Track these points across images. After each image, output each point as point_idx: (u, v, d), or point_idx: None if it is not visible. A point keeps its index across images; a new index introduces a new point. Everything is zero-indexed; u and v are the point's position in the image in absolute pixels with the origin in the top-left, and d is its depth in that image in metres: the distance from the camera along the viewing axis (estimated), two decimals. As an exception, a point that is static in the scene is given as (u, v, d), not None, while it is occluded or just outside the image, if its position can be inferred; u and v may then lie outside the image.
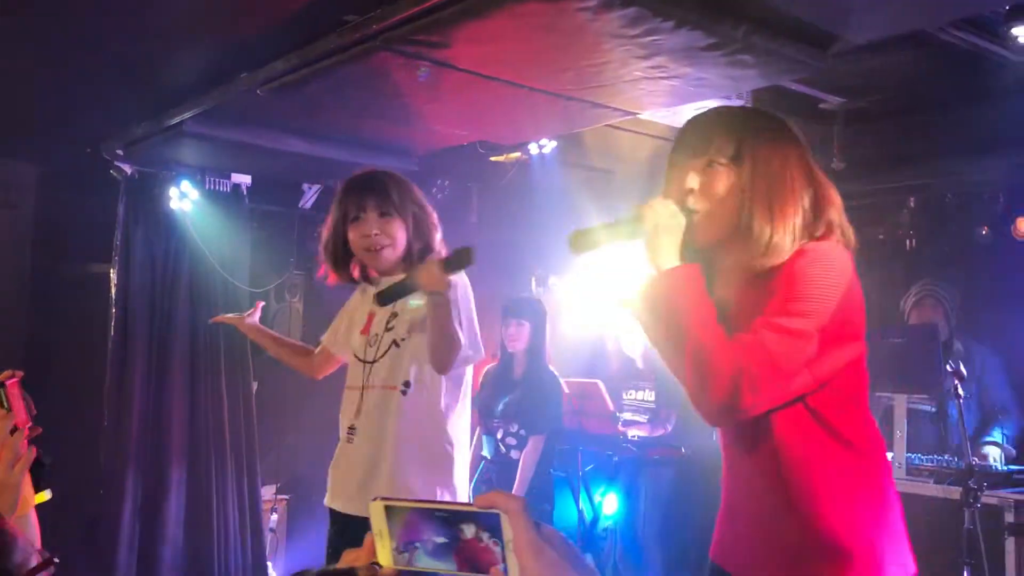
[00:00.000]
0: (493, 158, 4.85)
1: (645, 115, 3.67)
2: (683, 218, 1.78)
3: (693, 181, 1.81)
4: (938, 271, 5.12)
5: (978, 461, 3.77)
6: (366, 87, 3.29)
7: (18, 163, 5.01)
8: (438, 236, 2.77)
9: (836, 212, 1.85)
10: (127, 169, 4.79)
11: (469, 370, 2.74)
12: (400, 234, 2.69)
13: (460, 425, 2.71)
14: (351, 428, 2.72)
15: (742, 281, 1.81)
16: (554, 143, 4.57)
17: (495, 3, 2.49)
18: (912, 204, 5.02)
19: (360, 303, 2.90)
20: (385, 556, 0.94)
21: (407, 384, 2.63)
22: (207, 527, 4.92)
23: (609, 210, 5.23)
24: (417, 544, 0.95)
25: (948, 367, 3.77)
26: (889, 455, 4.19)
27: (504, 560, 0.91)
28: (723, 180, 1.79)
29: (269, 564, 5.19)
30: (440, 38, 2.74)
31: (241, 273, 5.16)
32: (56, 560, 1.22)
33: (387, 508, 0.95)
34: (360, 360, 2.75)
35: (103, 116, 4.22)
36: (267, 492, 5.38)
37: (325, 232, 2.79)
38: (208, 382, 5.03)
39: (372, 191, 2.70)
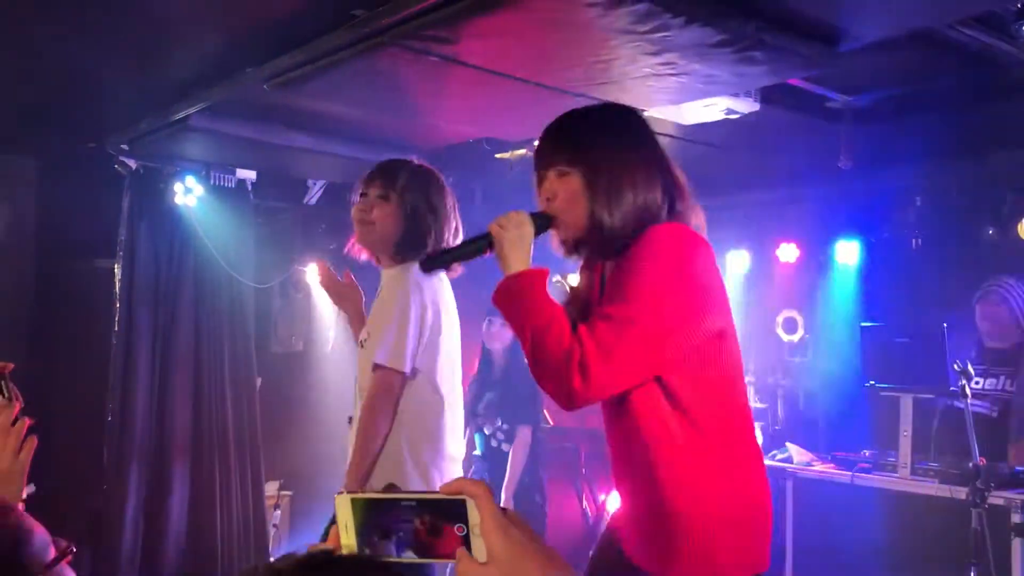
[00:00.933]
0: (498, 155, 4.83)
1: (650, 112, 3.66)
2: (530, 227, 1.93)
3: (548, 189, 1.97)
4: (944, 271, 5.11)
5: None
6: (373, 83, 3.27)
7: (22, 157, 4.99)
8: (435, 241, 2.70)
9: (684, 203, 1.98)
10: (132, 164, 4.79)
11: (437, 359, 2.68)
12: (388, 220, 2.68)
13: (426, 424, 2.66)
14: (352, 416, 2.79)
15: (606, 274, 1.98)
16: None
17: (503, -2, 2.47)
18: (919, 203, 5.00)
19: None
20: (350, 548, 0.97)
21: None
22: (210, 522, 4.92)
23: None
24: (382, 534, 0.98)
25: (955, 366, 3.76)
26: (892, 456, 4.21)
27: (468, 544, 0.96)
28: (570, 184, 1.93)
29: (272, 559, 5.18)
30: (448, 33, 2.72)
31: (246, 269, 5.15)
32: (74, 549, 1.23)
33: (352, 500, 0.99)
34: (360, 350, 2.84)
35: (108, 110, 4.21)
36: (270, 488, 5.38)
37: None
38: (212, 378, 5.03)
39: (383, 170, 2.74)
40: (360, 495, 0.99)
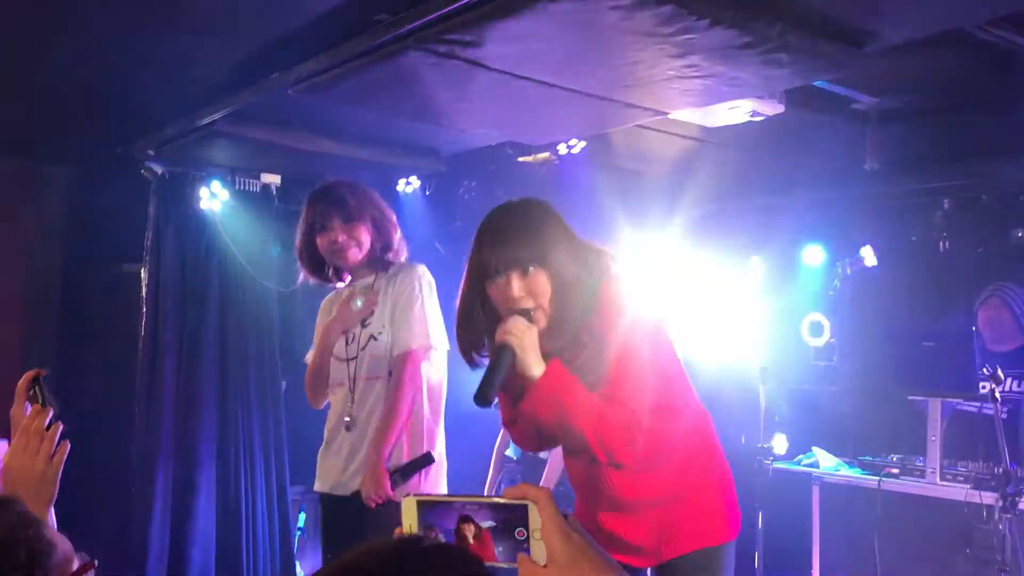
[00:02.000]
0: (521, 159, 4.83)
1: (674, 115, 3.65)
2: (534, 327, 2.10)
3: (518, 288, 2.12)
4: (971, 274, 5.06)
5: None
6: (397, 87, 3.28)
7: (51, 164, 5.05)
8: (397, 235, 3.12)
9: (607, 257, 2.25)
10: (158, 169, 4.83)
11: (444, 349, 3.04)
12: (363, 235, 3.04)
13: (438, 401, 3.06)
14: (350, 420, 3.02)
15: (575, 335, 2.17)
16: (583, 144, 4.55)
17: (527, 2, 2.47)
18: (946, 206, 4.95)
19: (328, 309, 3.22)
20: None
21: (391, 372, 2.96)
22: (236, 525, 4.94)
23: (637, 211, 5.21)
24: (446, 538, 1.00)
25: (984, 371, 3.72)
26: (920, 461, 4.16)
27: (529, 547, 0.98)
28: (541, 278, 2.13)
29: (297, 563, 5.21)
30: (471, 37, 2.72)
31: (270, 273, 5.18)
32: (96, 563, 1.24)
33: (418, 502, 1.01)
34: (343, 360, 3.06)
35: (134, 117, 4.25)
36: (295, 491, 5.39)
37: (298, 241, 3.15)
38: (237, 381, 5.06)
39: (332, 202, 3.05)
40: (425, 497, 1.02)
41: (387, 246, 3.08)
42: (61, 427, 1.57)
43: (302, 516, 5.39)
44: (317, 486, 3.12)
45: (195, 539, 4.81)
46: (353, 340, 3.05)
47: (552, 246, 2.15)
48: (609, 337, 2.10)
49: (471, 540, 0.99)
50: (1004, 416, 4.23)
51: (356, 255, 3.04)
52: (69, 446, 1.57)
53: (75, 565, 1.21)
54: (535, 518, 0.98)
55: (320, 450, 3.17)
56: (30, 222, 5.04)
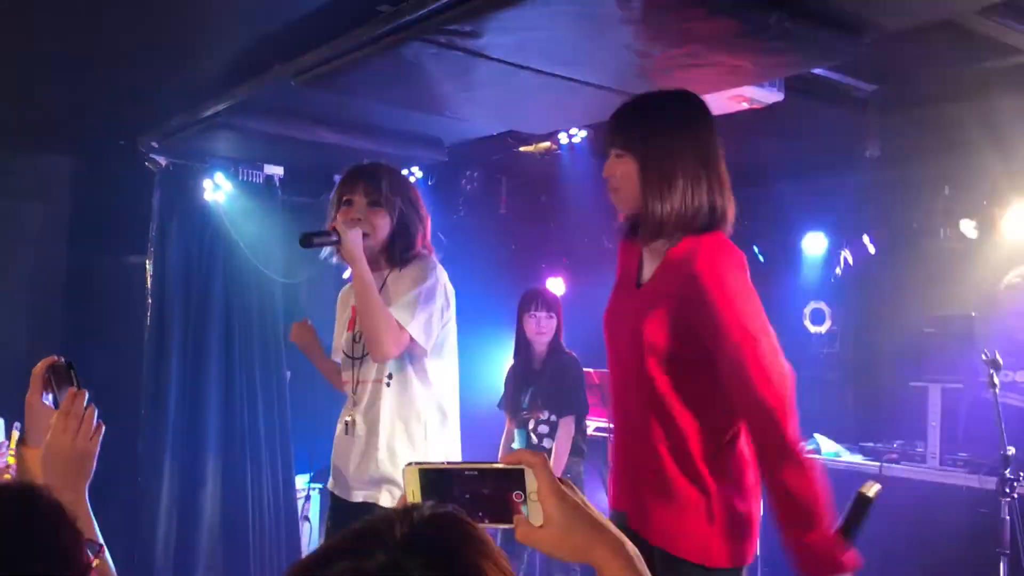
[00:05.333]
0: (523, 148, 4.85)
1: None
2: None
3: (608, 168, 2.15)
4: (972, 261, 5.06)
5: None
6: (398, 77, 3.30)
7: (55, 156, 5.07)
8: (422, 238, 2.87)
9: (726, 199, 2.14)
10: (162, 161, 4.86)
11: (454, 351, 2.85)
12: (383, 224, 2.78)
13: (447, 405, 2.85)
14: (350, 422, 2.84)
15: (652, 253, 2.17)
16: (584, 133, 4.57)
17: (527, -9, 2.48)
18: (947, 192, 4.96)
19: (346, 300, 3.02)
20: None
21: (391, 376, 2.77)
22: (242, 514, 4.98)
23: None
24: (448, 502, 1.02)
25: (983, 356, 3.74)
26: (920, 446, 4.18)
27: (526, 508, 1.04)
28: (625, 167, 2.12)
29: (304, 552, 5.24)
30: (472, 27, 2.74)
31: (274, 264, 5.21)
32: (103, 546, 1.28)
33: (420, 471, 1.07)
34: (349, 357, 2.88)
35: (138, 108, 4.27)
36: (301, 481, 5.43)
37: (329, 217, 2.91)
38: (243, 372, 5.09)
39: (364, 177, 2.82)
40: (427, 465, 1.08)
41: (408, 246, 2.81)
42: (95, 409, 1.64)
43: (307, 504, 5.42)
44: (329, 483, 2.97)
45: (201, 529, 4.85)
46: (360, 339, 2.82)
47: (650, 143, 2.11)
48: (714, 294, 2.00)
49: (490, 503, 1.04)
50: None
51: (370, 244, 2.75)
52: (104, 427, 1.65)
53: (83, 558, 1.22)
54: (532, 482, 1.04)
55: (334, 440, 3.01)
56: (35, 214, 5.07)
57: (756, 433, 1.98)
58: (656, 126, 2.14)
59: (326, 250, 2.85)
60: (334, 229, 2.69)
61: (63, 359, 1.73)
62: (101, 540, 1.35)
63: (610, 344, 2.26)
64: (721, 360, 1.99)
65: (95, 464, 1.62)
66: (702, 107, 2.21)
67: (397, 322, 2.66)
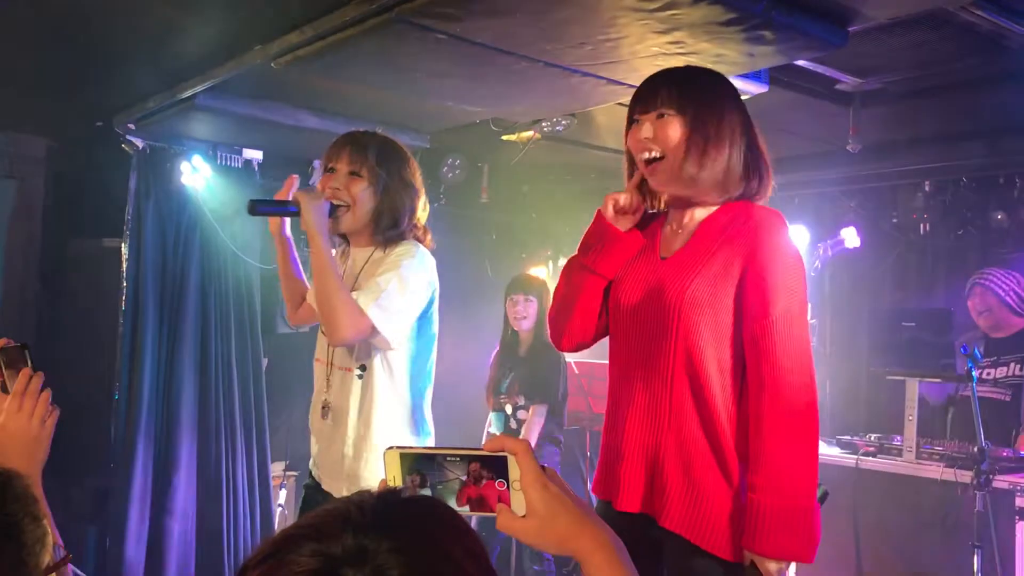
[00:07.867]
0: (505, 137, 4.82)
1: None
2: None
3: (648, 131, 2.08)
4: (952, 255, 5.10)
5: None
6: (380, 61, 3.26)
7: (30, 136, 5.00)
8: (410, 218, 2.66)
9: (765, 170, 2.20)
10: (139, 143, 4.79)
11: (431, 348, 2.69)
12: (364, 197, 2.60)
13: (420, 406, 2.68)
14: (325, 404, 2.68)
15: (678, 222, 2.18)
16: (566, 121, 4.54)
17: (512, -25, 2.46)
18: (927, 187, 4.98)
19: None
20: None
21: (363, 368, 2.59)
22: (217, 502, 4.95)
23: (620, 189, 5.21)
24: (427, 488, 1.03)
25: (962, 351, 3.75)
26: (899, 439, 4.20)
27: (509, 497, 1.02)
28: (672, 127, 2.06)
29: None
30: (454, 10, 2.70)
31: (252, 249, 5.17)
32: (71, 557, 1.25)
33: (401, 455, 1.04)
34: (324, 334, 2.68)
35: (115, 89, 4.21)
36: (276, 468, 5.40)
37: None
38: (218, 357, 5.05)
39: (351, 144, 2.64)
40: (408, 450, 1.05)
41: (393, 223, 2.61)
42: (50, 393, 1.60)
43: (283, 493, 5.39)
44: (311, 462, 2.83)
45: (175, 515, 4.81)
46: None
47: (702, 107, 2.08)
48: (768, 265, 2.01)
49: (472, 490, 1.02)
50: (1008, 399, 4.30)
51: (348, 217, 2.59)
52: (59, 412, 1.61)
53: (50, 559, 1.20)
54: (514, 469, 1.01)
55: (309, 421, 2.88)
56: (9, 195, 4.99)
57: (774, 401, 1.99)
58: (708, 87, 2.15)
59: (288, 221, 2.75)
60: (294, 199, 2.54)
61: (15, 342, 1.68)
62: (61, 540, 1.30)
63: (626, 320, 2.15)
64: (757, 325, 1.98)
65: (47, 450, 1.58)
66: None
67: (358, 306, 2.43)
